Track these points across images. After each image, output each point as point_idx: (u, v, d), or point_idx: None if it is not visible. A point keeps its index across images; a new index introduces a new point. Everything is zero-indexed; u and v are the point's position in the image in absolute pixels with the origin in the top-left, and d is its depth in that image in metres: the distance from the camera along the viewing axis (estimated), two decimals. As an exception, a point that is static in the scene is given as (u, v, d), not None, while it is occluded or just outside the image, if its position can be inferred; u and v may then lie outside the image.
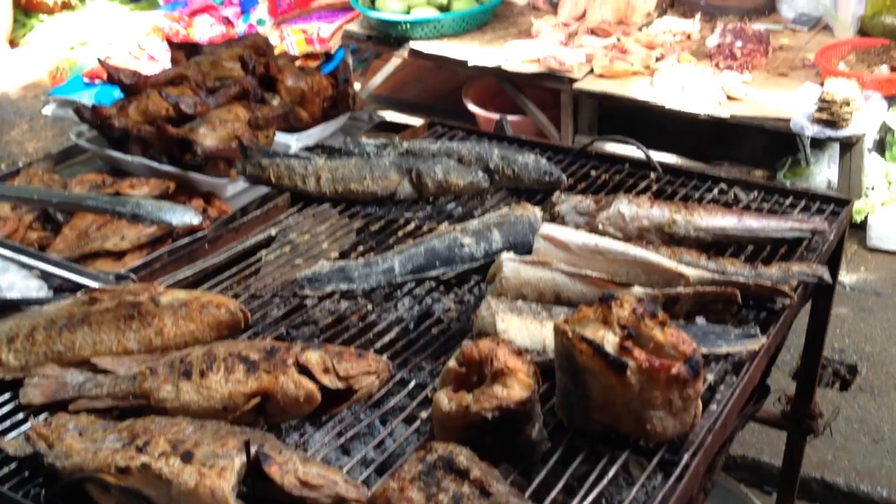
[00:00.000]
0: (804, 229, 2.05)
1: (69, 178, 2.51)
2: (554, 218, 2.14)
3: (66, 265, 2.04)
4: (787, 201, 2.24)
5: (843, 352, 3.50)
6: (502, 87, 4.72)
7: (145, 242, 2.25)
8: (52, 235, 2.30)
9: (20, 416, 1.65)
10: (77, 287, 1.95)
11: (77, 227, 2.25)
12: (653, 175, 2.41)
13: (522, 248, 2.03)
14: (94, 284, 1.95)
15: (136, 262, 2.14)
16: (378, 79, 5.24)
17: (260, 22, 5.71)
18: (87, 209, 2.09)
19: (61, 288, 2.00)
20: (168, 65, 4.69)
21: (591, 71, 4.35)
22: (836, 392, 3.34)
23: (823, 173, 3.91)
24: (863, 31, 4.31)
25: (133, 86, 2.64)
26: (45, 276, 2.01)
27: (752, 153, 4.31)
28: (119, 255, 2.22)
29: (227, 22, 5.83)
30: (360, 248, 2.22)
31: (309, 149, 2.58)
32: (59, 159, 2.70)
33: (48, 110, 5.30)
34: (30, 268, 2.00)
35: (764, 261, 1.98)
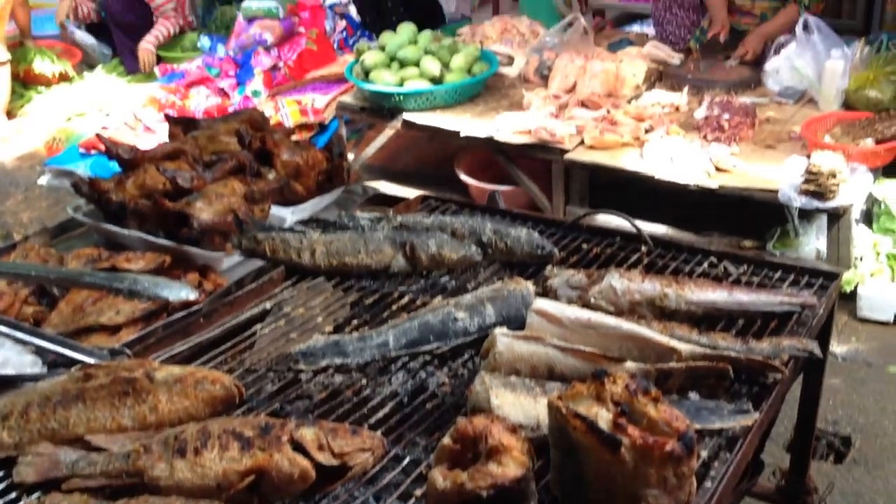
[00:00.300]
0: (794, 303, 2.08)
1: (65, 251, 2.52)
2: (546, 292, 2.16)
3: (60, 341, 2.05)
4: (777, 275, 2.27)
5: (837, 423, 3.50)
6: (494, 157, 4.78)
7: (140, 316, 2.25)
8: (48, 310, 2.30)
9: (13, 494, 1.64)
10: (72, 362, 1.96)
11: (73, 301, 2.26)
12: (644, 248, 2.44)
13: (516, 322, 2.04)
14: (88, 360, 1.95)
15: (131, 337, 2.14)
16: (371, 149, 5.30)
17: (255, 93, 5.80)
18: (84, 286, 2.11)
19: (56, 363, 2.00)
20: (164, 135, 4.75)
21: (582, 142, 4.41)
22: (831, 465, 3.33)
23: (812, 244, 3.95)
24: (847, 105, 4.40)
25: (131, 160, 2.68)
26: (40, 352, 2.01)
27: (741, 223, 4.36)
28: (114, 330, 2.23)
29: (223, 93, 5.92)
30: (355, 322, 2.23)
31: (304, 222, 2.62)
32: (56, 233, 2.72)
33: (43, 180, 5.32)
34: (25, 343, 2.01)
35: (755, 335, 2.00)
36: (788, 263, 2.35)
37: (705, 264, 2.34)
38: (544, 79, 5.10)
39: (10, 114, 6.13)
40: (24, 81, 6.34)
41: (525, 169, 4.72)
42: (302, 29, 6.29)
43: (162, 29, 6.69)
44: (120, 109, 5.68)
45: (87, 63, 6.68)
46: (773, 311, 2.08)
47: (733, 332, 2.04)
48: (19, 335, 2.01)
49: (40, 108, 6.08)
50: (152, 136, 5.39)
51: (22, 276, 2.25)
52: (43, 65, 6.36)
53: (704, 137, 4.27)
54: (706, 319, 2.09)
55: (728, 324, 2.08)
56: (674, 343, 1.88)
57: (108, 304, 2.28)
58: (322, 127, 5.40)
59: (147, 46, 6.57)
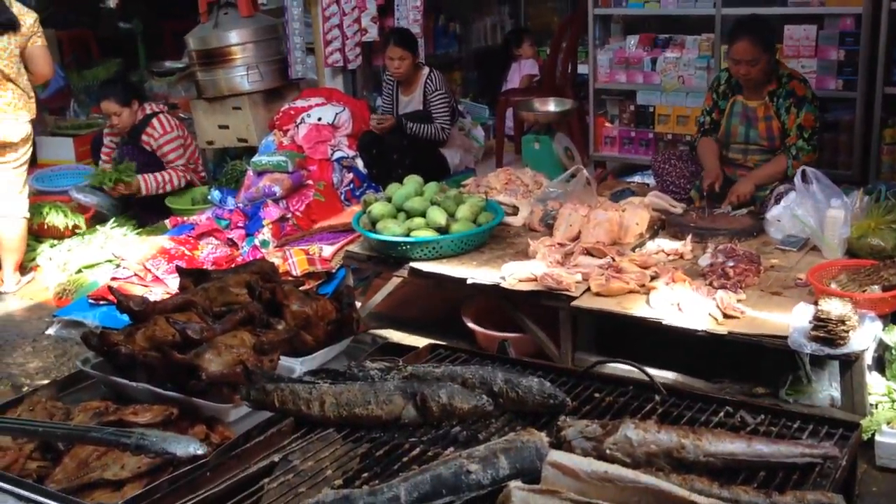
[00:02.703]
0: (815, 455, 2.03)
1: (73, 404, 2.50)
2: (560, 443, 2.12)
3: (62, 498, 2.00)
4: (795, 424, 2.23)
5: (864, 578, 3.36)
6: (501, 305, 4.79)
7: (145, 471, 2.21)
8: (52, 465, 2.26)
9: None
10: (74, 521, 1.91)
11: (77, 456, 2.22)
12: (657, 397, 2.41)
13: (530, 474, 2.00)
14: (91, 518, 1.90)
15: (135, 492, 2.09)
16: (378, 297, 5.33)
17: (264, 244, 5.88)
18: (91, 442, 2.09)
19: (58, 521, 1.95)
20: (174, 285, 4.77)
21: (588, 289, 4.43)
22: None
23: (826, 390, 3.89)
24: (850, 252, 4.44)
25: (141, 312, 2.69)
26: (43, 509, 1.97)
27: (751, 369, 4.32)
28: (118, 485, 2.18)
29: (232, 244, 6.00)
30: (365, 475, 2.18)
31: (313, 373, 2.60)
32: (63, 386, 2.71)
33: (52, 331, 5.36)
34: (28, 500, 1.96)
35: (777, 488, 1.95)
36: (806, 413, 2.33)
37: (721, 414, 2.31)
38: (549, 228, 5.18)
39: (23, 267, 6.20)
40: (38, 235, 6.44)
41: (532, 316, 4.72)
42: (310, 182, 6.45)
43: (166, 175, 6.82)
44: (130, 260, 5.74)
45: (100, 217, 6.80)
46: (794, 462, 2.03)
47: (755, 485, 1.99)
48: (22, 492, 1.97)
49: (51, 260, 6.15)
50: (161, 286, 5.43)
51: (28, 432, 2.22)
52: (57, 218, 6.48)
53: (710, 284, 4.29)
54: (725, 472, 2.04)
55: (749, 476, 2.03)
56: (694, 497, 1.83)
57: (112, 458, 2.24)
58: (329, 275, 5.44)
59: (140, 177, 6.70)
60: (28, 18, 5.70)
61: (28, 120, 5.81)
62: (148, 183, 6.68)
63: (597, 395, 2.48)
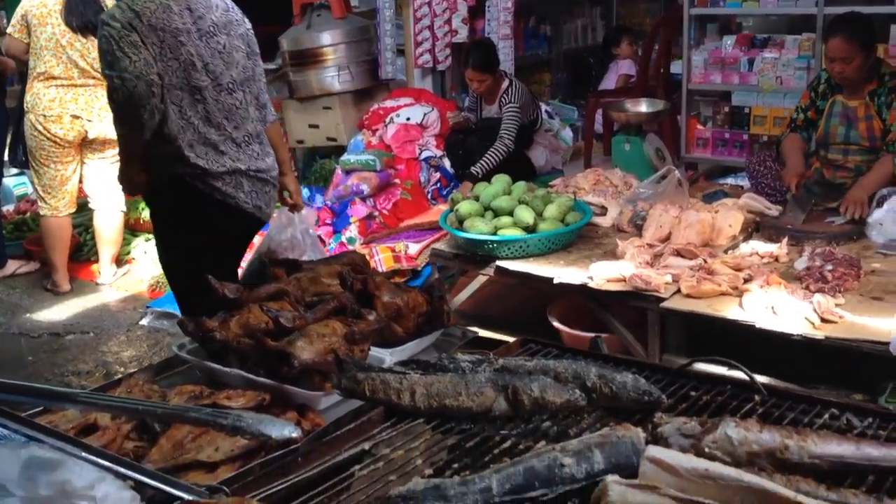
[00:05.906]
0: (930, 459, 1.93)
1: (168, 388, 2.55)
2: (657, 440, 2.06)
3: (160, 477, 2.03)
4: (906, 429, 2.13)
5: None
6: (587, 305, 4.73)
7: (239, 454, 2.23)
8: (148, 445, 2.31)
9: None
10: (170, 499, 1.93)
11: (173, 437, 2.26)
12: (757, 398, 2.33)
13: (626, 470, 1.94)
14: (187, 497, 1.92)
15: (229, 475, 2.12)
16: (463, 295, 5.33)
17: (350, 241, 5.94)
18: (189, 421, 2.12)
19: (154, 499, 1.98)
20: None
21: (678, 291, 4.34)
22: None
23: (930, 400, 3.74)
24: (958, 256, 4.26)
25: (236, 300, 2.73)
26: (140, 488, 2.00)
27: (847, 376, 4.17)
28: (212, 467, 2.21)
29: (320, 241, 6.07)
30: (455, 466, 2.16)
31: (403, 363, 2.59)
32: (159, 370, 2.77)
33: (145, 321, 5.51)
34: (125, 478, 1.99)
35: (888, 492, 1.86)
36: (918, 417, 2.21)
37: (826, 416, 2.22)
38: (638, 229, 5.10)
39: (119, 260, 6.39)
40: (133, 229, 6.64)
41: (619, 317, 4.65)
42: (397, 180, 6.50)
43: None
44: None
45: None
46: (906, 466, 1.93)
47: (863, 488, 1.89)
48: (120, 470, 2.00)
49: (146, 254, 6.33)
50: (251, 280, 5.53)
51: (129, 410, 2.27)
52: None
53: (807, 288, 4.16)
54: (831, 474, 1.95)
55: (857, 480, 1.94)
56: (800, 498, 1.75)
57: (207, 440, 2.28)
58: (415, 273, 5.47)
59: None
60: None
61: None
62: None
63: (693, 393, 2.41)
